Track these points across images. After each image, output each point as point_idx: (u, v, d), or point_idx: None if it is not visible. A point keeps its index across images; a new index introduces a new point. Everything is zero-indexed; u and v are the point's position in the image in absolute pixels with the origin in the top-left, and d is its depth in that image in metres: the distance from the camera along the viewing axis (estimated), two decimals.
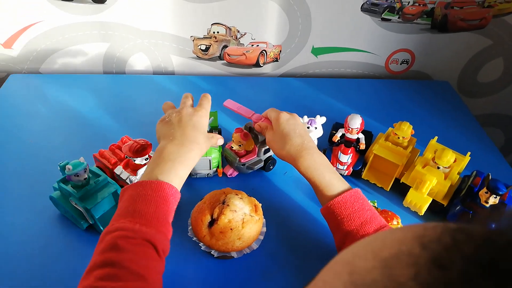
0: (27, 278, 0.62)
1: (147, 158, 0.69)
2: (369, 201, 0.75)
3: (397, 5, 1.00)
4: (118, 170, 0.69)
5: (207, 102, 0.67)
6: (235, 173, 0.79)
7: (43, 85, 1.01)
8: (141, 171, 0.69)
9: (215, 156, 0.76)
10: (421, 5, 1.00)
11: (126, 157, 0.70)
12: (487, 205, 0.67)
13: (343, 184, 0.61)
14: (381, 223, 0.58)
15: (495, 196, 0.66)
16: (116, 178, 0.71)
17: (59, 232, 0.68)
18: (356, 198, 0.59)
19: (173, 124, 0.62)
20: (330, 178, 0.61)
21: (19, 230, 0.68)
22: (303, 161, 0.62)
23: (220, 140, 0.70)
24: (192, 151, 0.59)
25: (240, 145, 0.75)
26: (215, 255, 0.62)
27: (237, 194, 0.64)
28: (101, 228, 0.65)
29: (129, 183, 0.68)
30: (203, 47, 1.05)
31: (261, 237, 0.65)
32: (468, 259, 0.19)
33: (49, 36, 1.00)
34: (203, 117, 0.64)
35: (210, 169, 0.77)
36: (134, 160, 0.69)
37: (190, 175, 0.76)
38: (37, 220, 0.69)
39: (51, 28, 0.98)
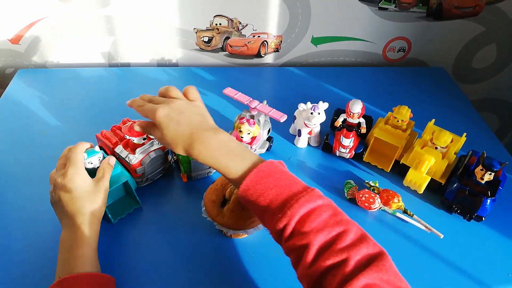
0: (36, 265, 0.63)
1: (145, 138, 0.73)
2: (370, 182, 0.78)
3: None
4: (118, 149, 0.73)
5: (73, 152, 0.61)
6: None
7: (50, 78, 1.03)
8: (139, 150, 0.72)
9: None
10: None
11: (126, 137, 0.72)
12: (483, 182, 0.71)
13: (241, 163, 0.54)
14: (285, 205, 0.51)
15: (490, 172, 0.69)
16: (117, 157, 0.73)
17: None
18: (259, 178, 0.52)
19: (54, 203, 0.61)
20: (226, 161, 0.54)
21: (32, 218, 0.70)
22: (195, 154, 0.55)
23: (111, 160, 0.65)
24: (82, 225, 0.57)
25: (249, 133, 0.76)
26: (229, 233, 0.66)
27: None
28: (110, 217, 0.68)
29: (128, 161, 0.71)
30: (206, 39, 1.08)
31: None
32: None
33: (55, 31, 1.02)
34: (68, 177, 0.59)
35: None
36: (133, 140, 0.72)
37: (191, 177, 0.78)
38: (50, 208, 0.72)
39: (57, 23, 1.00)
